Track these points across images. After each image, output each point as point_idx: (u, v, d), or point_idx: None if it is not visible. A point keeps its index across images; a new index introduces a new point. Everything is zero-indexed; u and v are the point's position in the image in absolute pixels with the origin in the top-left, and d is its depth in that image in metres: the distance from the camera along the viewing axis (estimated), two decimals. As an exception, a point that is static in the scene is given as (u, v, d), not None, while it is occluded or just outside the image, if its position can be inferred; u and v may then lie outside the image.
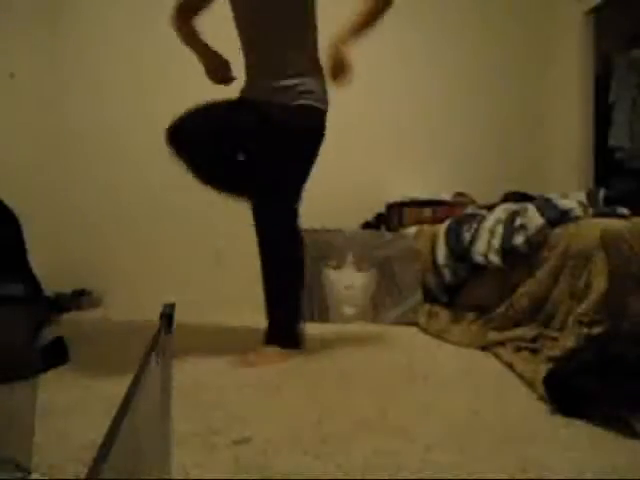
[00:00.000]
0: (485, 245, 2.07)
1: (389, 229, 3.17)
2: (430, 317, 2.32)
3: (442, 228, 2.47)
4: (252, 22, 1.74)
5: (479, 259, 2.09)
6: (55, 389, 1.29)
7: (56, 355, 1.52)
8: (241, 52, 1.80)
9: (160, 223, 3.30)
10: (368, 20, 1.73)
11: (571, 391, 1.13)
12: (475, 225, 2.22)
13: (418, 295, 2.46)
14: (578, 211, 1.83)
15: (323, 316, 2.46)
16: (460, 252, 2.24)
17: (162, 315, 0.63)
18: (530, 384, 1.34)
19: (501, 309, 1.93)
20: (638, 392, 1.02)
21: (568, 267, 1.68)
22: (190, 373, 1.47)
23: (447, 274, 2.36)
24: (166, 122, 1.82)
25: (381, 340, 2.04)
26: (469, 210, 2.58)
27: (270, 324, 1.72)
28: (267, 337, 1.69)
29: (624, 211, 1.79)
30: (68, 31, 3.26)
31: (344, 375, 1.46)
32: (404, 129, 3.63)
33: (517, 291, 1.89)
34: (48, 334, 1.60)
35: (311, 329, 2.25)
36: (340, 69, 1.69)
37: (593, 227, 1.64)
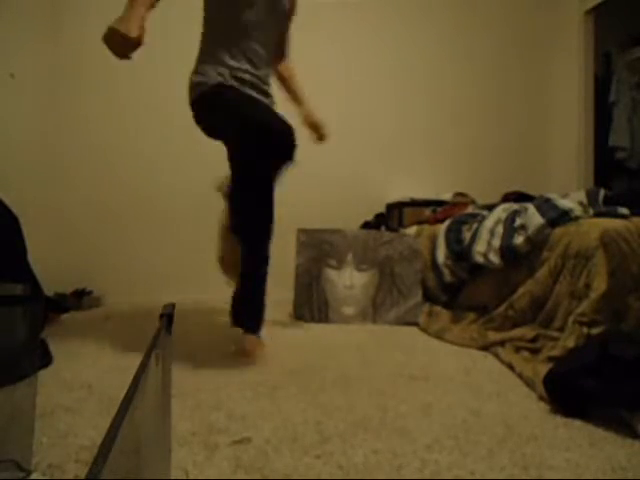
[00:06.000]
0: (485, 245, 2.07)
1: (389, 229, 3.17)
2: (430, 317, 2.32)
3: (442, 228, 2.47)
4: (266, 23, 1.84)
5: (479, 259, 2.09)
6: (55, 389, 1.29)
7: (40, 357, 1.51)
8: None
9: (161, 223, 3.30)
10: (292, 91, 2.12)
11: (571, 391, 1.13)
12: (475, 225, 2.22)
13: (418, 295, 2.46)
14: (578, 211, 1.83)
15: (323, 316, 2.46)
16: (460, 252, 2.24)
17: (162, 315, 0.63)
18: (530, 384, 1.34)
19: (501, 309, 1.93)
20: (638, 392, 1.02)
21: (568, 267, 1.68)
22: (190, 373, 1.47)
23: (447, 274, 2.36)
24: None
25: (381, 340, 2.04)
26: (469, 210, 2.58)
27: (256, 312, 1.75)
28: (248, 325, 1.72)
29: (624, 211, 1.79)
30: (69, 31, 3.25)
31: (344, 375, 1.46)
32: (404, 129, 3.63)
33: (517, 291, 1.89)
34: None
35: (311, 329, 2.25)
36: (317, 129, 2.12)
37: (593, 227, 1.64)
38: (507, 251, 1.94)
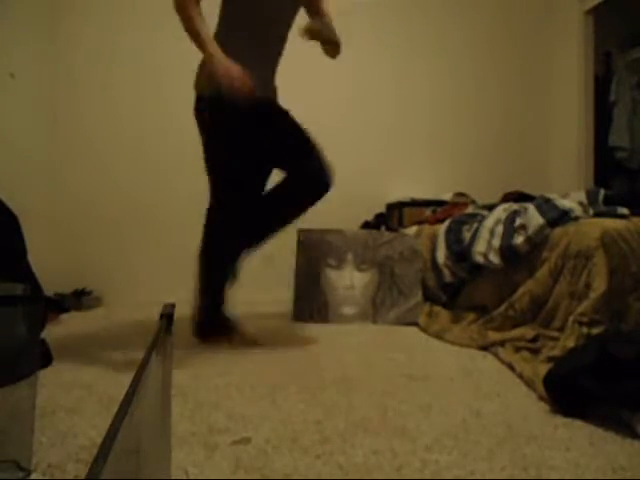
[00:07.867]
0: (485, 245, 2.06)
1: (389, 229, 3.17)
2: (430, 317, 2.32)
3: (442, 228, 2.47)
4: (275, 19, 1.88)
5: (479, 259, 2.09)
6: (55, 389, 1.29)
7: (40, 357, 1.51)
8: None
9: (161, 223, 3.30)
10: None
11: (571, 391, 1.13)
12: (475, 225, 2.22)
13: (418, 295, 2.46)
14: (578, 211, 1.83)
15: (323, 316, 2.46)
16: (460, 252, 2.24)
17: (162, 315, 0.63)
18: (530, 384, 1.34)
19: (501, 309, 1.93)
20: (638, 392, 1.02)
21: (568, 267, 1.68)
22: (190, 373, 1.47)
23: (447, 274, 2.36)
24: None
25: (381, 340, 2.04)
26: (469, 210, 2.58)
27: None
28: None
29: (624, 211, 1.79)
30: (68, 31, 3.26)
31: (344, 375, 1.46)
32: (404, 129, 3.63)
33: (517, 291, 1.89)
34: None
35: (311, 329, 2.25)
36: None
37: (593, 227, 1.64)
38: (507, 251, 1.94)
